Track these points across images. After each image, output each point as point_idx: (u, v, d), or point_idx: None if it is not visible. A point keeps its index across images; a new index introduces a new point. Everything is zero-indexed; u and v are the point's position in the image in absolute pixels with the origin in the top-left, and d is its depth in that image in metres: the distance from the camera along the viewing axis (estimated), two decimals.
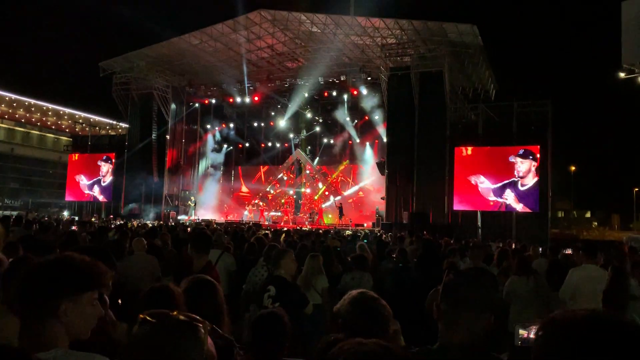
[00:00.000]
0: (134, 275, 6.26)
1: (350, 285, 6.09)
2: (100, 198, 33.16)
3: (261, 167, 37.40)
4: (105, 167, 33.19)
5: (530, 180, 23.59)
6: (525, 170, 23.61)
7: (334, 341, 1.91)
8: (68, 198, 35.08)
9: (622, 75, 23.49)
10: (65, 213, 34.14)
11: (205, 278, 2.80)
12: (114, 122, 44.37)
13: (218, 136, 37.07)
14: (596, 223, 51.96)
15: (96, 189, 33.27)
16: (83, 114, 53.40)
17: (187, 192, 34.06)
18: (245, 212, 32.70)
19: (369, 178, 32.71)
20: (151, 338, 1.22)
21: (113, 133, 38.43)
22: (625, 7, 22.86)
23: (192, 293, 2.63)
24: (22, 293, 1.66)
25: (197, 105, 34.06)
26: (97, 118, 51.71)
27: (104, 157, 33.41)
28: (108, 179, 33.00)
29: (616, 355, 0.97)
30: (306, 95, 31.76)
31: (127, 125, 33.24)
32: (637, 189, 51.97)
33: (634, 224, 46.97)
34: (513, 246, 13.25)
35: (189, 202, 31.40)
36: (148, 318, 1.28)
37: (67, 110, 53.95)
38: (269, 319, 2.79)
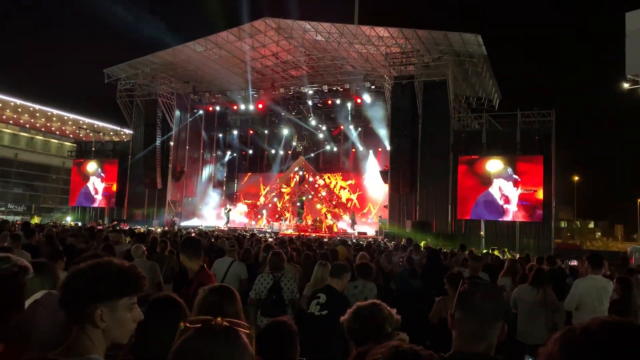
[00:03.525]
0: None
1: (353, 293, 6.09)
2: (102, 203, 33.21)
3: (264, 174, 37.46)
4: (98, 180, 33.46)
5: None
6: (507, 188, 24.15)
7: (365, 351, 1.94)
8: (72, 203, 35.13)
9: (626, 85, 23.55)
10: (69, 219, 34.20)
11: (225, 286, 2.82)
12: (118, 129, 44.52)
13: (222, 143, 37.20)
14: (599, 233, 51.76)
15: (99, 194, 33.34)
16: (87, 120, 53.59)
17: (190, 199, 34.13)
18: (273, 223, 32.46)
19: (371, 186, 32.71)
20: (196, 345, 1.23)
21: (117, 139, 38.56)
22: (629, 18, 22.93)
23: (211, 301, 2.65)
24: (61, 298, 1.69)
25: (201, 112, 34.18)
26: (101, 124, 51.91)
27: (97, 170, 33.66)
28: (100, 187, 33.29)
29: None
30: (310, 103, 31.89)
31: (131, 132, 33.36)
32: None
33: (637, 235, 46.80)
34: (517, 256, 13.22)
35: (225, 211, 31.77)
36: (189, 325, 1.29)
37: (72, 116, 54.15)
38: (276, 329, 2.79)
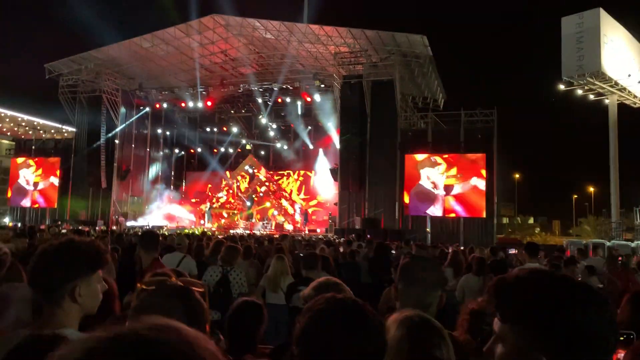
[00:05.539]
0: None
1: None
2: (44, 203, 32.03)
3: (213, 172, 37.01)
4: (32, 174, 32.49)
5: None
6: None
7: None
8: (10, 204, 33.67)
9: (562, 87, 24.79)
10: (6, 219, 32.74)
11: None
12: (60, 126, 42.86)
13: (169, 141, 36.52)
14: (538, 229, 54.11)
15: (38, 193, 32.17)
16: (26, 117, 51.20)
17: (136, 198, 33.34)
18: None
19: (321, 184, 32.95)
20: (153, 302, 1.32)
21: (59, 137, 37.16)
22: (565, 23, 24.18)
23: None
24: (37, 278, 1.76)
25: (148, 109, 33.44)
26: (42, 121, 49.68)
27: (30, 164, 32.75)
28: (36, 184, 32.38)
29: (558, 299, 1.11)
30: (260, 101, 31.81)
31: (74, 129, 32.27)
32: (576, 196, 54.63)
33: (573, 229, 49.18)
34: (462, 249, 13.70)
35: (206, 208, 31.75)
36: (145, 287, 1.37)
37: (9, 113, 51.58)
38: (249, 307, 2.94)
